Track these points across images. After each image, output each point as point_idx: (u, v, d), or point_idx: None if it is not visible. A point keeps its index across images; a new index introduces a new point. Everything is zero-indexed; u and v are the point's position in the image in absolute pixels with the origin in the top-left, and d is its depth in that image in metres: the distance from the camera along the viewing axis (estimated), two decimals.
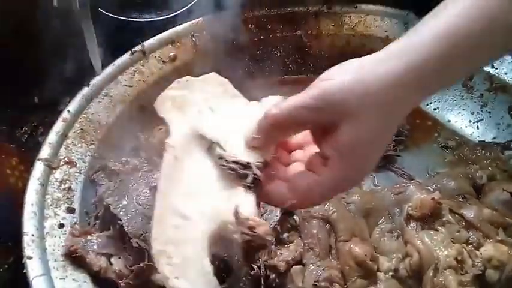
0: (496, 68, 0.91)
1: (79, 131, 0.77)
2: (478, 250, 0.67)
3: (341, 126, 0.44)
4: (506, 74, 0.90)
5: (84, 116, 0.79)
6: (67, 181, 0.70)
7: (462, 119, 0.93)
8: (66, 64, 0.89)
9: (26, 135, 0.92)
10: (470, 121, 0.92)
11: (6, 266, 0.62)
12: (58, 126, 0.75)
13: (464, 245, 0.68)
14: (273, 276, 0.68)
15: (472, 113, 0.93)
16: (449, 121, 0.94)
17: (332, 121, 0.44)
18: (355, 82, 0.43)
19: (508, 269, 0.65)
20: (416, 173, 0.85)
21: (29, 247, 0.59)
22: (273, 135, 0.49)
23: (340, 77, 0.44)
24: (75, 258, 0.61)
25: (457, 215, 0.72)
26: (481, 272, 0.65)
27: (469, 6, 0.43)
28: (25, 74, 0.86)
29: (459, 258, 0.66)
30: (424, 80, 0.44)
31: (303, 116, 0.45)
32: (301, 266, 0.68)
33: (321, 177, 0.46)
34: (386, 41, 0.98)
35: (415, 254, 0.67)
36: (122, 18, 1.00)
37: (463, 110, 0.94)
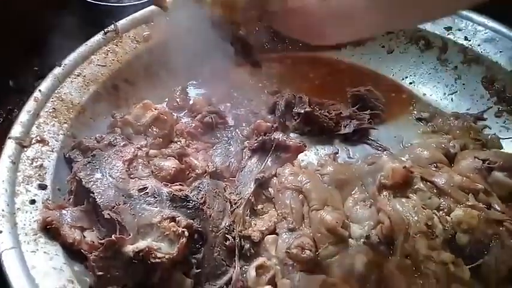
0: (469, 40, 0.92)
1: (51, 110, 0.76)
2: (449, 216, 0.68)
3: None
4: (479, 45, 0.91)
5: (57, 95, 0.78)
6: (39, 159, 0.70)
7: (437, 91, 0.94)
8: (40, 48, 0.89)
9: (1, 119, 0.91)
10: (444, 93, 0.93)
11: None
12: (30, 105, 0.75)
13: (436, 211, 0.69)
14: (247, 246, 0.68)
15: (447, 86, 0.94)
16: (424, 94, 0.94)
17: None
18: None
19: (478, 232, 0.66)
20: (391, 145, 0.86)
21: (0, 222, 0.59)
22: None
23: None
24: (49, 230, 0.61)
25: (428, 183, 0.73)
26: (450, 236, 0.66)
27: None
28: None
29: (429, 223, 0.67)
30: None
31: None
32: (274, 236, 0.69)
33: None
34: None
35: (386, 220, 0.68)
36: (96, 2, 1.00)
37: (438, 83, 0.94)
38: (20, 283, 0.54)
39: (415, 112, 0.91)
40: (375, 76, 0.98)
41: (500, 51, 0.88)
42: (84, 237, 0.64)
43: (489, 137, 0.85)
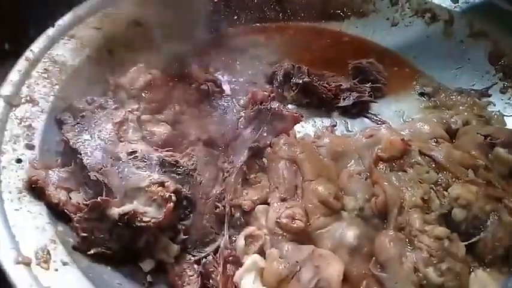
0: (476, 12, 0.88)
1: (42, 71, 0.75)
2: (447, 191, 0.66)
3: None
4: (486, 17, 0.87)
5: (49, 56, 0.77)
6: (28, 119, 0.69)
7: (441, 66, 0.91)
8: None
9: None
10: (450, 69, 0.90)
11: None
12: (20, 65, 0.73)
13: (433, 185, 0.67)
14: (237, 214, 0.67)
15: (453, 61, 0.90)
16: (428, 69, 0.91)
17: None
18: None
19: (475, 208, 0.64)
20: (391, 119, 0.84)
21: None
22: None
23: None
24: (35, 190, 0.60)
25: (426, 157, 0.71)
26: (447, 211, 0.64)
27: None
28: None
29: (426, 197, 0.65)
30: None
31: None
32: (266, 206, 0.67)
33: None
34: None
35: (381, 193, 0.66)
36: None
37: (443, 57, 0.91)
38: (1, 240, 0.53)
39: (418, 87, 0.89)
40: (378, 49, 0.96)
41: (507, 24, 0.84)
42: (70, 198, 0.62)
43: (493, 113, 0.82)
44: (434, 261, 0.59)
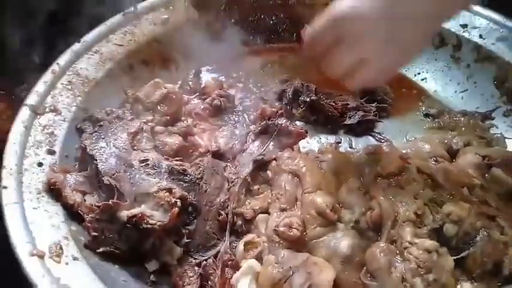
0: (484, 39, 0.91)
1: (66, 83, 0.81)
2: (441, 207, 0.69)
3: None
4: (493, 44, 0.90)
5: (73, 69, 0.83)
6: (51, 126, 0.74)
7: (448, 89, 0.94)
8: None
9: (26, 92, 0.96)
10: (455, 91, 0.93)
11: None
12: (47, 76, 0.79)
13: (428, 202, 0.70)
14: (239, 222, 0.71)
15: (458, 84, 0.93)
16: (435, 91, 0.95)
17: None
18: None
19: (466, 224, 0.66)
20: (395, 138, 0.87)
21: (6, 178, 0.64)
22: None
23: None
24: (53, 191, 0.65)
25: (424, 175, 0.73)
26: (438, 226, 0.66)
27: None
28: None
29: (419, 212, 0.68)
30: None
31: None
32: (266, 215, 0.71)
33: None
34: None
35: (376, 207, 0.69)
36: None
37: (450, 80, 0.94)
38: (18, 234, 0.58)
39: (423, 108, 0.91)
40: None
41: None
42: (85, 200, 0.67)
43: (495, 135, 0.84)
44: (422, 272, 0.61)
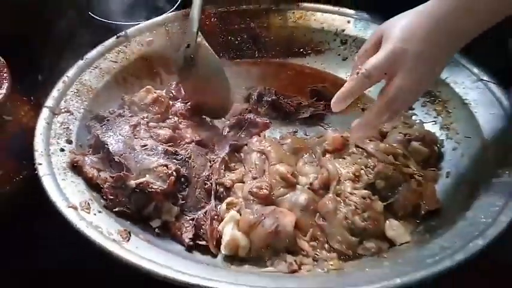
0: None
1: (75, 91, 1.00)
2: (373, 170, 0.91)
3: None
4: None
5: (79, 80, 1.02)
6: (66, 123, 0.93)
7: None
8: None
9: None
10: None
11: (21, 177, 0.84)
12: (59, 85, 0.99)
13: (363, 167, 0.92)
14: (221, 189, 0.91)
15: None
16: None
17: None
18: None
19: (392, 179, 0.88)
20: (339, 127, 1.09)
21: (39, 158, 0.82)
22: None
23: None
24: (75, 168, 0.84)
25: (360, 149, 0.96)
26: (371, 181, 0.88)
27: None
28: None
29: (357, 174, 0.90)
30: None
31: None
32: (242, 184, 0.91)
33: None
34: (321, 30, 1.24)
35: (325, 172, 0.90)
36: (111, 22, 1.24)
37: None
38: (55, 195, 0.76)
39: (360, 104, 1.14)
40: (332, 78, 1.22)
41: None
42: (100, 175, 0.86)
43: (416, 121, 1.08)
44: (359, 212, 0.82)
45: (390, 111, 0.79)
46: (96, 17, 1.24)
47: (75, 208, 0.75)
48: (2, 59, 0.88)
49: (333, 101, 0.81)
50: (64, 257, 0.83)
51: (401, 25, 0.75)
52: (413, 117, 1.09)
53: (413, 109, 1.11)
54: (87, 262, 0.83)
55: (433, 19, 0.73)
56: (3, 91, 0.82)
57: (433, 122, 1.05)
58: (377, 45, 0.79)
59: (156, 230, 0.84)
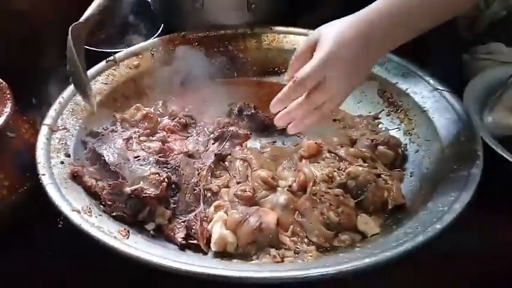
0: None
1: (71, 110, 1.09)
2: (344, 172, 1.01)
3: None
4: (374, 67, 1.26)
5: (74, 101, 1.11)
6: (64, 139, 1.02)
7: (348, 101, 1.26)
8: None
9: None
10: (353, 103, 1.28)
11: (25, 188, 0.92)
12: (56, 105, 1.07)
13: (336, 169, 1.02)
14: (208, 194, 1.00)
15: (355, 97, 1.28)
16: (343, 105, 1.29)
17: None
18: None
19: (361, 178, 0.98)
20: (314, 137, 1.19)
21: (42, 170, 0.90)
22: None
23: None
24: (76, 177, 0.92)
25: (333, 154, 1.06)
26: (344, 182, 0.98)
27: None
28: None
29: (330, 175, 1.00)
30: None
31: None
32: (227, 189, 1.01)
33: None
34: (293, 51, 1.34)
35: (302, 175, 1.00)
36: (98, 50, 1.33)
37: (349, 96, 1.29)
38: (59, 200, 0.84)
39: (332, 116, 1.26)
40: None
41: (388, 71, 1.24)
42: (98, 184, 0.94)
43: (382, 129, 1.20)
44: (333, 208, 0.92)
45: (320, 111, 0.89)
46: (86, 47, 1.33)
47: (79, 212, 0.83)
48: (4, 82, 0.96)
49: (271, 104, 0.90)
50: (64, 260, 0.91)
51: (335, 31, 0.81)
52: (380, 126, 1.21)
53: (380, 118, 1.23)
54: (86, 266, 0.91)
55: (365, 26, 0.81)
56: (8, 110, 0.89)
57: (397, 129, 1.17)
58: (312, 48, 0.85)
59: (151, 232, 0.92)
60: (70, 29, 1.02)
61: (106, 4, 1.09)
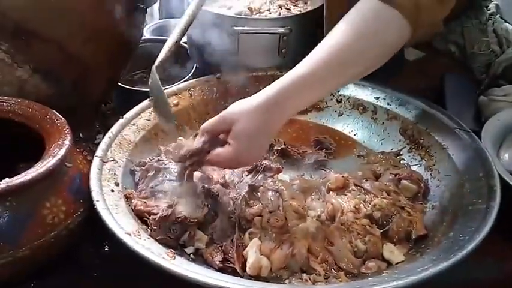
0: (390, 105, 1.37)
1: (118, 143, 1.19)
2: (370, 204, 1.09)
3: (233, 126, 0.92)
4: (396, 108, 1.36)
5: (121, 136, 1.21)
6: (113, 169, 1.12)
7: (371, 139, 1.37)
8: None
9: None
10: (376, 140, 1.36)
11: (79, 213, 1.01)
12: (105, 140, 1.18)
13: (362, 201, 1.10)
14: (243, 222, 1.08)
15: (378, 135, 1.37)
16: (363, 141, 1.38)
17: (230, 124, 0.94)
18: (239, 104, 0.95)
19: (386, 210, 1.06)
20: (339, 170, 1.28)
21: (96, 196, 1.00)
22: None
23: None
24: (128, 199, 1.03)
25: (358, 187, 1.14)
26: (369, 212, 1.06)
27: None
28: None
29: (357, 207, 1.08)
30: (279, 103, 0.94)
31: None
32: (260, 217, 1.09)
33: (224, 149, 0.96)
34: None
35: (330, 206, 1.08)
36: (134, 88, 1.46)
37: (372, 133, 1.38)
38: (113, 224, 0.93)
39: (356, 151, 1.34)
40: (331, 130, 1.41)
41: (409, 111, 1.33)
42: (147, 208, 1.04)
43: (404, 165, 1.27)
44: (361, 237, 1.00)
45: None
46: (125, 86, 1.46)
47: (130, 234, 0.92)
48: (63, 118, 1.07)
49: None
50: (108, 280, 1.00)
51: (240, 104, 0.97)
52: (401, 162, 1.29)
53: (401, 154, 1.31)
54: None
55: (265, 98, 0.94)
56: (67, 143, 1.00)
57: (419, 165, 1.25)
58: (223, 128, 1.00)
59: (191, 255, 1.00)
60: (154, 69, 1.24)
61: (174, 50, 1.29)
